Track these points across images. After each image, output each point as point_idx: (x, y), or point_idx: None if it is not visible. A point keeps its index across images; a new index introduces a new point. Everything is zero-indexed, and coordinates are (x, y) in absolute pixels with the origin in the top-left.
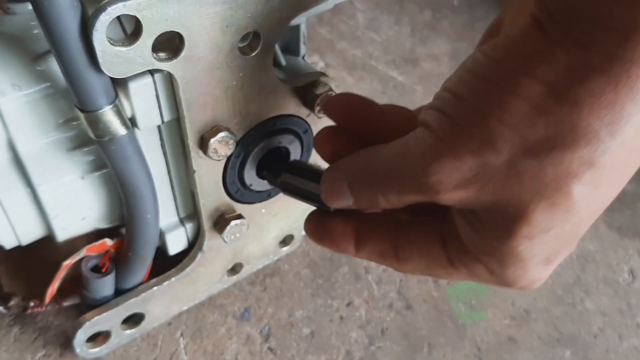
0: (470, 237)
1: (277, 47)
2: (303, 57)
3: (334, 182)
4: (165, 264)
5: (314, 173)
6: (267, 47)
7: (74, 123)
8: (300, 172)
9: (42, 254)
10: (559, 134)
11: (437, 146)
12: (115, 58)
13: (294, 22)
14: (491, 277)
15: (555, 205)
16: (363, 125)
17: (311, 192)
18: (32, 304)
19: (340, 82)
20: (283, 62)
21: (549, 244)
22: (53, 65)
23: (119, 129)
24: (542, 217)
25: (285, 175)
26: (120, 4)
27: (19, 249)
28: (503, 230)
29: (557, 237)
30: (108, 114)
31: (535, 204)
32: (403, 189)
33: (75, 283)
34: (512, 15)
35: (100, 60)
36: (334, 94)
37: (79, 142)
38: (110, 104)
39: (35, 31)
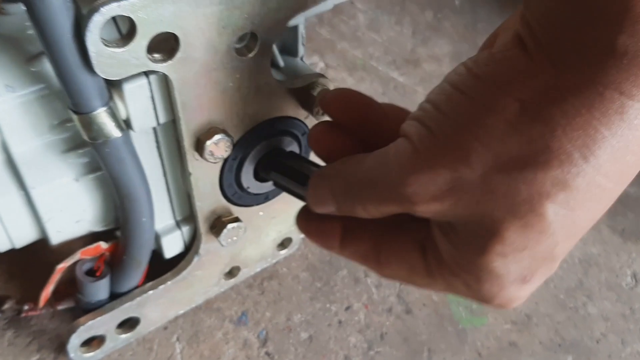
0: (448, 250)
1: (275, 48)
2: (301, 58)
3: (318, 190)
4: (161, 266)
5: (302, 175)
6: (264, 48)
7: (68, 125)
8: (288, 173)
9: (38, 257)
10: (532, 153)
11: (415, 158)
12: (109, 59)
13: (292, 22)
14: (468, 291)
15: (528, 225)
16: (361, 124)
17: (298, 194)
18: (26, 307)
19: (341, 83)
20: (281, 63)
21: (524, 263)
22: (47, 66)
23: (113, 131)
24: (515, 236)
25: (274, 174)
26: (114, 5)
27: (13, 252)
28: (477, 245)
29: (532, 257)
30: (102, 116)
31: (509, 222)
32: (380, 200)
33: (70, 286)
34: (503, 30)
35: (93, 61)
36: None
37: (74, 144)
38: (104, 105)
39: (30, 32)
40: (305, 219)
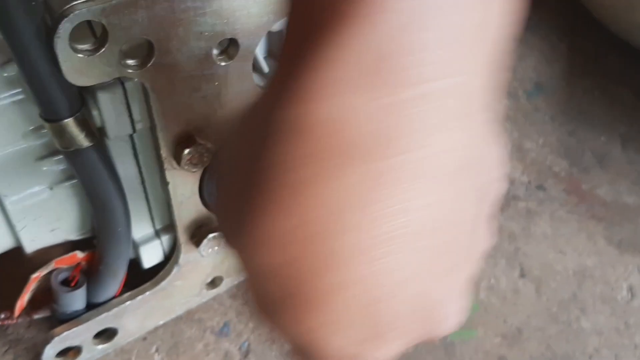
0: None
1: (258, 53)
2: None
3: None
4: (141, 276)
5: None
6: (245, 54)
7: (43, 131)
8: None
9: (14, 265)
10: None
11: None
12: (79, 66)
13: (275, 27)
14: None
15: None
16: None
17: None
18: (2, 316)
19: None
20: (265, 68)
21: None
22: None
23: (86, 140)
24: None
25: None
26: (84, 9)
27: None
28: None
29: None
30: (74, 124)
31: None
32: None
33: (47, 295)
34: None
35: (63, 68)
36: None
37: (48, 151)
38: (77, 113)
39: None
40: None
